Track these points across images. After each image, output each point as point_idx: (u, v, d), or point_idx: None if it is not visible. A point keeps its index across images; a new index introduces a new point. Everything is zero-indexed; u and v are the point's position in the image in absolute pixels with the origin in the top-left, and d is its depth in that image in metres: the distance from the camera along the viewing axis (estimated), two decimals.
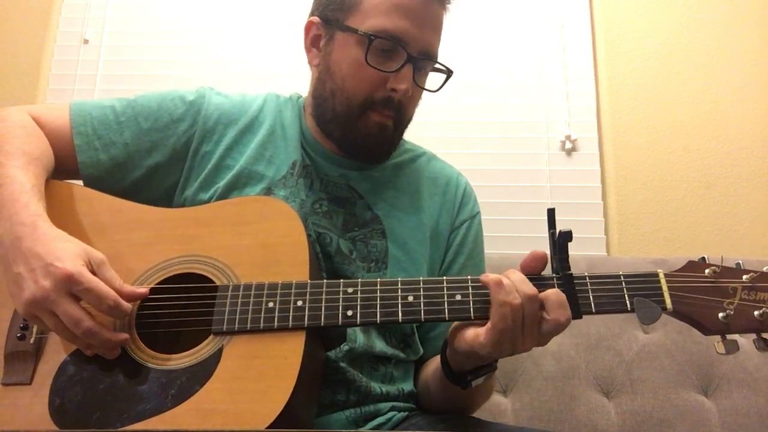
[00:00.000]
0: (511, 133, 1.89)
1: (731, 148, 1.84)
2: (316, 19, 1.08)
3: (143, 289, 0.87)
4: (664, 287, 0.82)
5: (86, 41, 2.07)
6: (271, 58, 1.99)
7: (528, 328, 0.80)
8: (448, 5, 1.06)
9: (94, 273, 0.84)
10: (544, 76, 1.93)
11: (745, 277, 0.82)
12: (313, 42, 1.10)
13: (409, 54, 1.00)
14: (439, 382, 0.98)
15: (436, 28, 1.05)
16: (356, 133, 1.04)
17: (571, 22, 1.96)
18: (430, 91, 1.08)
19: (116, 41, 2.07)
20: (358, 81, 1.02)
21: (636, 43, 1.94)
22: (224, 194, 1.03)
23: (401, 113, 1.04)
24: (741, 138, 1.85)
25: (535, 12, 1.98)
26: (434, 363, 1.04)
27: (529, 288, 0.80)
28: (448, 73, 1.08)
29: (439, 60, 1.07)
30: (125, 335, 0.84)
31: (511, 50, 1.95)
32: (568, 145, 1.86)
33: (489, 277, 0.82)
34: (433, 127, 1.87)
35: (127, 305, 0.83)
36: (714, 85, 1.89)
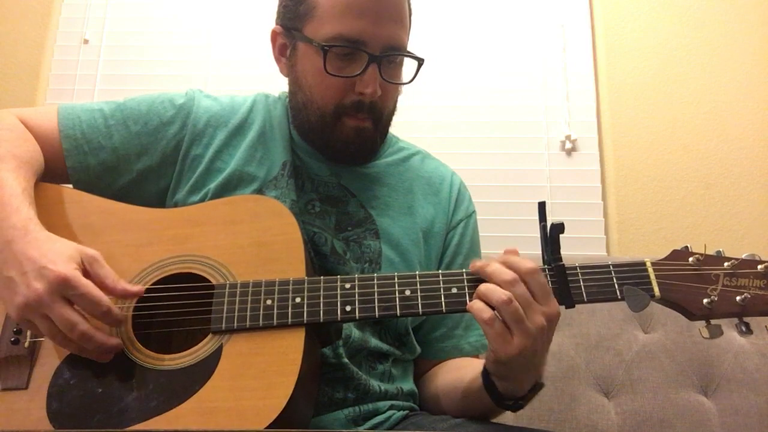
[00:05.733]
0: (511, 133, 1.89)
1: (731, 148, 1.84)
2: (278, 28, 1.07)
3: (137, 288, 0.85)
4: (652, 275, 0.85)
5: (86, 41, 2.07)
6: (271, 59, 1.98)
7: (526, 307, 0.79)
8: None
9: (87, 272, 0.83)
10: (544, 77, 1.92)
11: (726, 264, 0.85)
12: (281, 51, 1.08)
13: (370, 54, 0.97)
14: (474, 403, 0.95)
15: (396, 18, 1.00)
16: (335, 140, 1.03)
17: (571, 22, 1.96)
18: (403, 83, 1.06)
19: (116, 41, 2.08)
20: (324, 90, 1.00)
21: (636, 43, 1.94)
22: (216, 197, 1.02)
23: (377, 112, 1.02)
24: (741, 138, 1.85)
25: (535, 12, 1.97)
26: (457, 382, 1.00)
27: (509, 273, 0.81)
28: (419, 61, 1.04)
29: (409, 49, 1.03)
30: (118, 340, 0.83)
31: (511, 51, 1.95)
32: (568, 145, 1.86)
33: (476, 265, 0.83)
34: (433, 127, 1.86)
35: (119, 312, 0.82)
36: (714, 85, 1.89)
